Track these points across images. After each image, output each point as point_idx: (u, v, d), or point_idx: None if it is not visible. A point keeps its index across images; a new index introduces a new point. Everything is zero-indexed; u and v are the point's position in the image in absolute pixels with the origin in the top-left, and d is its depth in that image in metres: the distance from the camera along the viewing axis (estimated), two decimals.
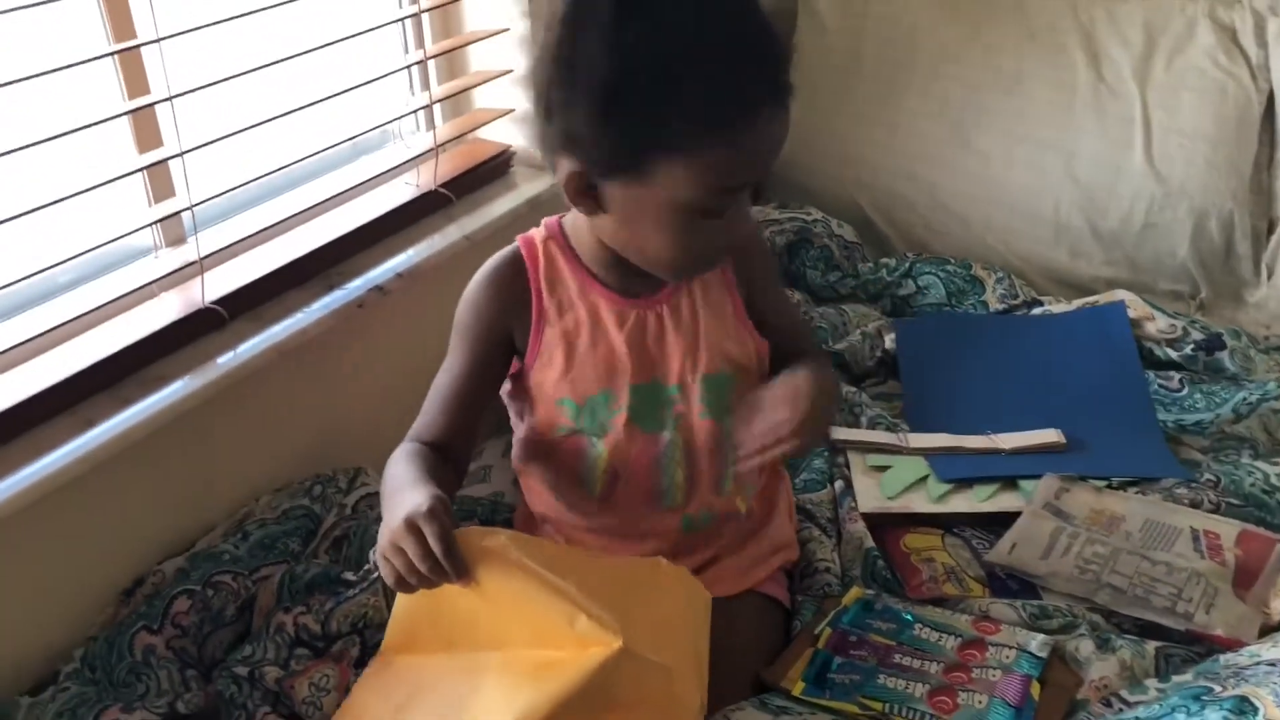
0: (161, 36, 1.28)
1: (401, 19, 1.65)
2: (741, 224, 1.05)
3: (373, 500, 1.42)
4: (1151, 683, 1.13)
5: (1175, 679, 1.13)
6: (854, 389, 1.70)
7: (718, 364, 1.16)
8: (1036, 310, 1.83)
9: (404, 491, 0.99)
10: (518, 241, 1.17)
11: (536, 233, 1.17)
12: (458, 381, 1.16)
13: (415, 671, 1.04)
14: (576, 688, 0.90)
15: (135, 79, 1.33)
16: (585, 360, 1.14)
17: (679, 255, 1.05)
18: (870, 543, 1.38)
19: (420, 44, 1.70)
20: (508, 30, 1.71)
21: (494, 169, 1.77)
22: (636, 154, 0.97)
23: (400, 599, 1.04)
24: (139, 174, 1.36)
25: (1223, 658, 1.15)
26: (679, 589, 1.04)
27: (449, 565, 0.92)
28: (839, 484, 1.48)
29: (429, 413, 1.16)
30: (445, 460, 1.12)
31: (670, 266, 1.08)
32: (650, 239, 1.04)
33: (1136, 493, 1.47)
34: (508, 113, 1.76)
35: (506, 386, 1.20)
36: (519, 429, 1.22)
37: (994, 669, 1.16)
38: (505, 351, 1.17)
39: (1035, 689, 1.13)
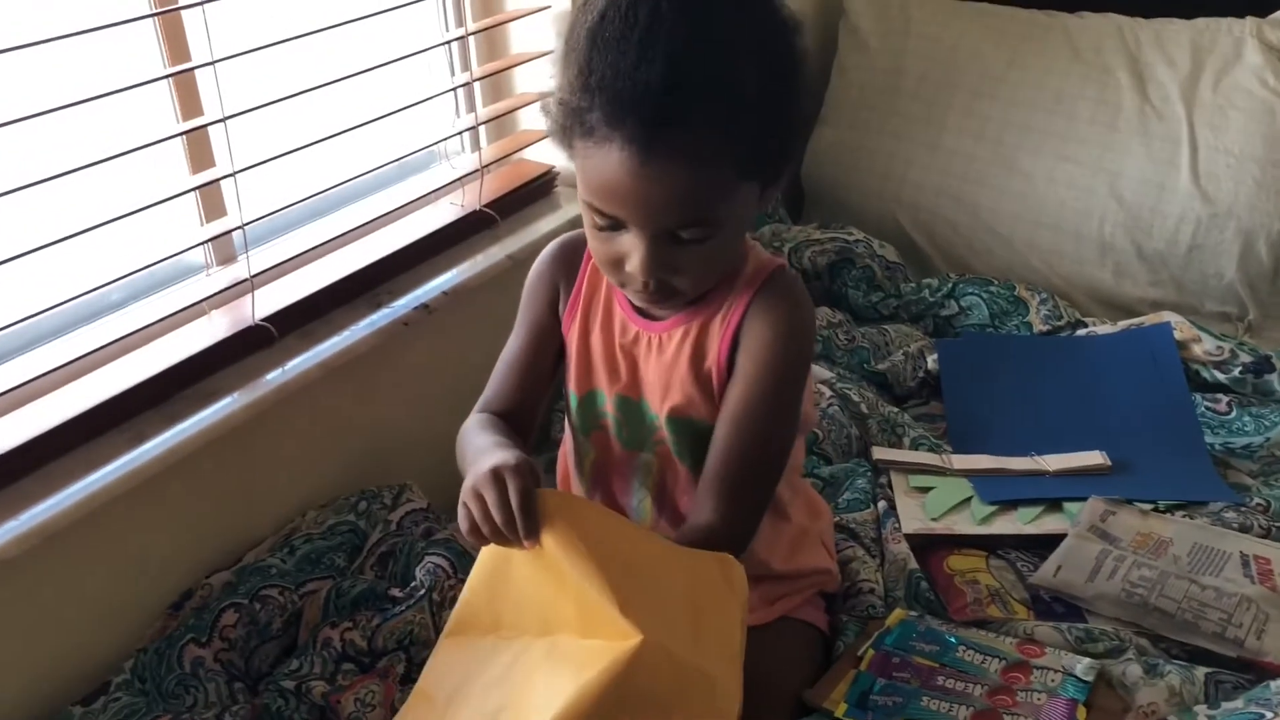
0: (216, 59, 1.31)
1: (448, 42, 1.67)
2: (648, 267, 0.98)
3: (417, 516, 1.43)
4: (1201, 709, 1.11)
5: (1225, 705, 1.11)
6: (896, 409, 1.70)
7: (683, 408, 1.12)
8: (1081, 331, 1.82)
9: (492, 450, 1.01)
10: None
11: None
12: (519, 348, 1.19)
13: (467, 657, 1.04)
14: (607, 682, 0.89)
15: (189, 101, 1.36)
16: (592, 354, 1.15)
17: (597, 256, 1.05)
18: (914, 564, 1.37)
19: (466, 66, 1.73)
20: (552, 53, 1.73)
21: (538, 189, 1.78)
22: (565, 127, 0.98)
23: (470, 579, 1.05)
24: (192, 194, 1.38)
25: (1274, 684, 1.13)
26: (736, 594, 1.02)
27: (522, 521, 0.92)
28: (882, 504, 1.48)
29: (494, 382, 1.19)
30: (512, 430, 1.13)
31: (604, 271, 1.07)
32: (585, 230, 1.05)
33: (1184, 516, 1.45)
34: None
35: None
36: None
37: (1039, 692, 1.15)
38: (554, 313, 1.18)
39: (1081, 714, 1.12)
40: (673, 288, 1.03)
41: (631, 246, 0.99)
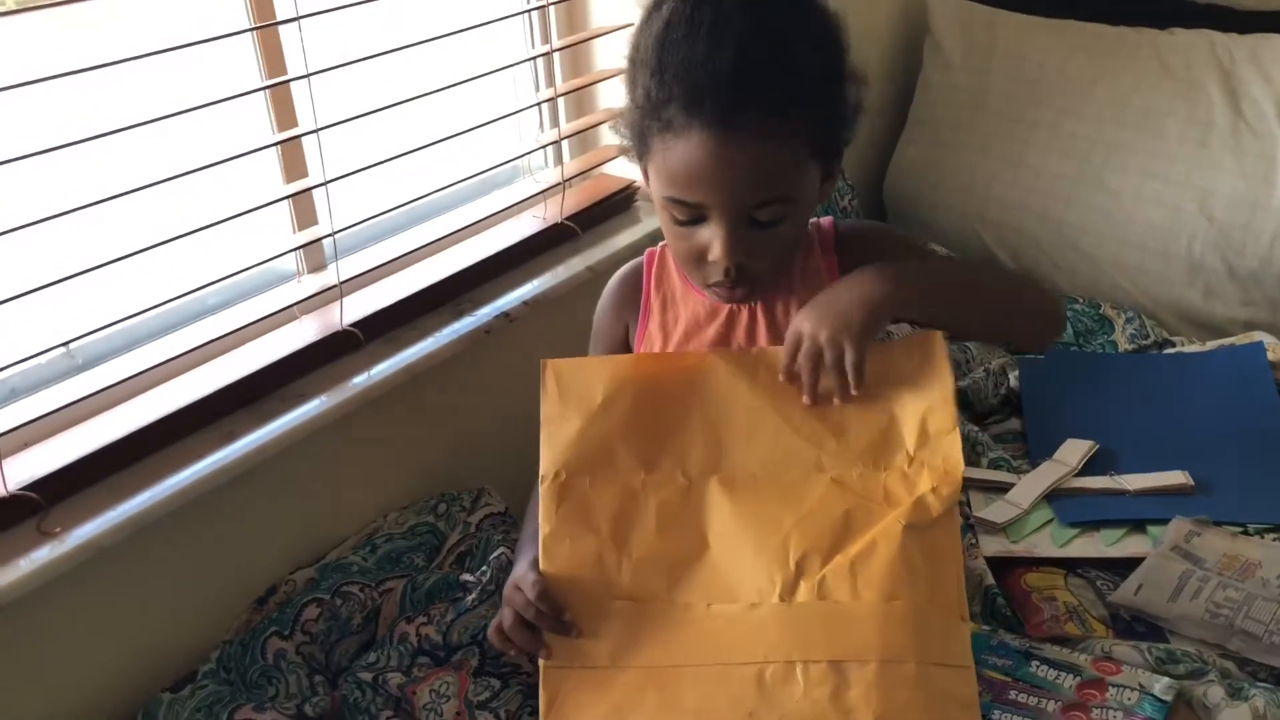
0: (310, 73, 1.36)
1: (533, 58, 1.71)
2: (730, 251, 1.02)
3: (495, 520, 1.46)
4: None
5: None
6: (975, 428, 1.68)
7: None
8: (1168, 351, 1.78)
9: (521, 551, 1.15)
10: (648, 251, 1.23)
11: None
12: None
13: (620, 502, 1.05)
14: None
15: (284, 113, 1.41)
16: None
17: (678, 255, 1.09)
18: (990, 580, 1.36)
19: (551, 82, 1.76)
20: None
21: (618, 203, 1.81)
22: (643, 130, 1.03)
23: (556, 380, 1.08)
24: (285, 203, 1.43)
25: None
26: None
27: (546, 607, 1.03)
28: (959, 520, 1.46)
29: None
30: None
31: (684, 270, 1.12)
32: (664, 232, 1.09)
33: (1274, 539, 1.41)
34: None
35: None
36: None
37: (1115, 710, 1.13)
38: (628, 350, 1.23)
39: None
40: (752, 273, 1.06)
41: (712, 235, 1.03)
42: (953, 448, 1.02)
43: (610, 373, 1.08)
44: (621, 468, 1.05)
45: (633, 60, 1.04)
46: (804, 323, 1.02)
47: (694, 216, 1.03)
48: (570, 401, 1.06)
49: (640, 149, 1.06)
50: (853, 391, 1.01)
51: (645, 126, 1.02)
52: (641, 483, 1.05)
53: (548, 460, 1.06)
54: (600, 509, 1.04)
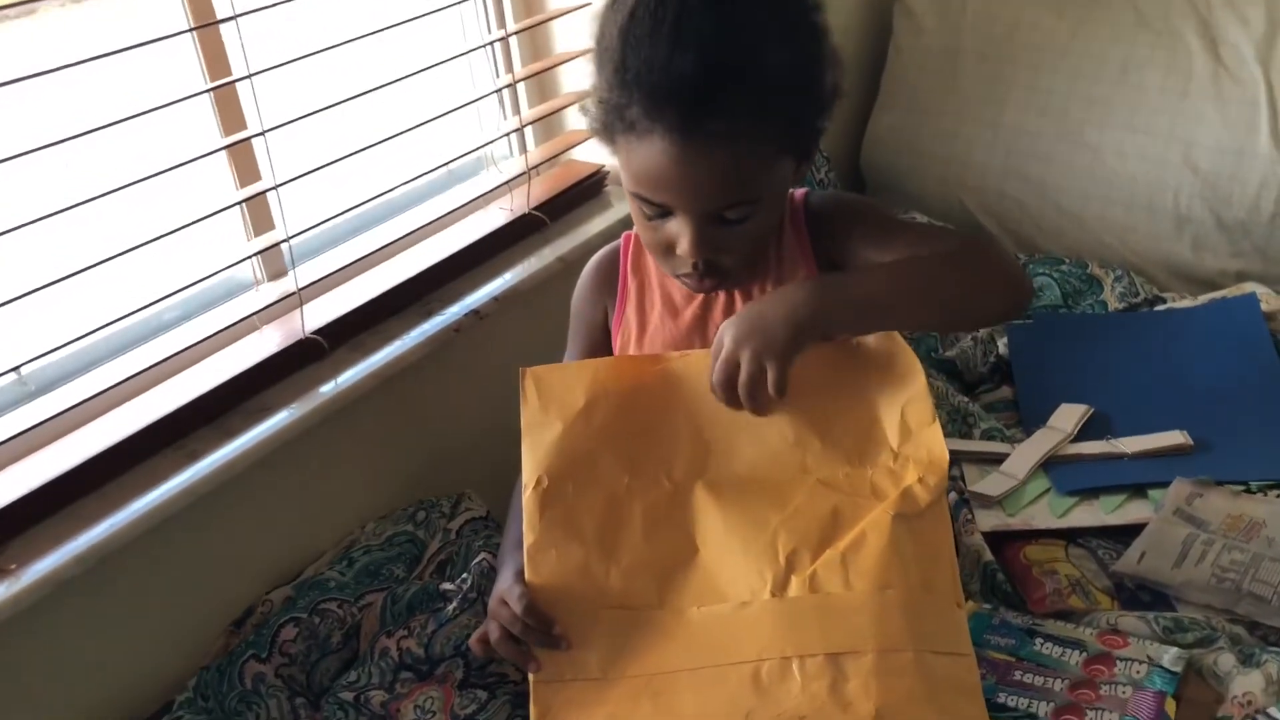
0: (254, 72, 1.30)
1: (489, 44, 1.66)
2: (697, 248, 1.00)
3: (476, 525, 1.42)
4: None
5: None
6: (966, 399, 1.64)
7: None
8: (1159, 308, 1.74)
9: (504, 561, 1.12)
10: (624, 233, 1.21)
11: None
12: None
13: (605, 509, 1.02)
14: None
15: (231, 115, 1.36)
16: (655, 337, 1.17)
17: (648, 245, 1.06)
18: (989, 555, 1.32)
19: (509, 68, 1.71)
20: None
21: (587, 189, 1.76)
22: (607, 125, 1.00)
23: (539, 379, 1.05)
24: (238, 208, 1.38)
25: None
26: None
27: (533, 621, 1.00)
28: (952, 496, 1.42)
29: None
30: None
31: (654, 258, 1.10)
32: (633, 220, 1.06)
33: (1278, 496, 1.37)
34: None
35: None
36: None
37: (1124, 685, 1.09)
38: (607, 334, 1.21)
39: (1170, 706, 1.06)
40: (721, 267, 1.04)
41: (679, 231, 1.00)
42: (935, 440, 1.00)
43: (591, 377, 1.05)
44: (605, 473, 1.02)
45: (598, 45, 1.00)
46: (727, 335, 0.98)
47: (660, 212, 1.01)
48: (551, 408, 1.04)
49: (605, 138, 1.03)
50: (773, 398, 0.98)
51: (609, 122, 0.99)
52: (626, 488, 1.02)
53: (529, 468, 1.03)
54: (585, 516, 1.02)
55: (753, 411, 0.98)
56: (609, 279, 1.21)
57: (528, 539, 1.02)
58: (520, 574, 1.03)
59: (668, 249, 1.03)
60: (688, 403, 1.03)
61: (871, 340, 1.03)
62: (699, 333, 1.15)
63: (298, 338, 1.39)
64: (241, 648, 1.24)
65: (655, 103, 0.94)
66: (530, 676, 1.01)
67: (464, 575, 1.27)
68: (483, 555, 1.30)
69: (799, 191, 1.14)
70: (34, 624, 1.12)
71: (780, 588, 0.97)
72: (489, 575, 1.25)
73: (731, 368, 0.97)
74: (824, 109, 1.03)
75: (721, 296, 1.14)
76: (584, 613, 1.00)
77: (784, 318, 0.97)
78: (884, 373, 1.02)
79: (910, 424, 1.00)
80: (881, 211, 1.17)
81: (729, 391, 0.98)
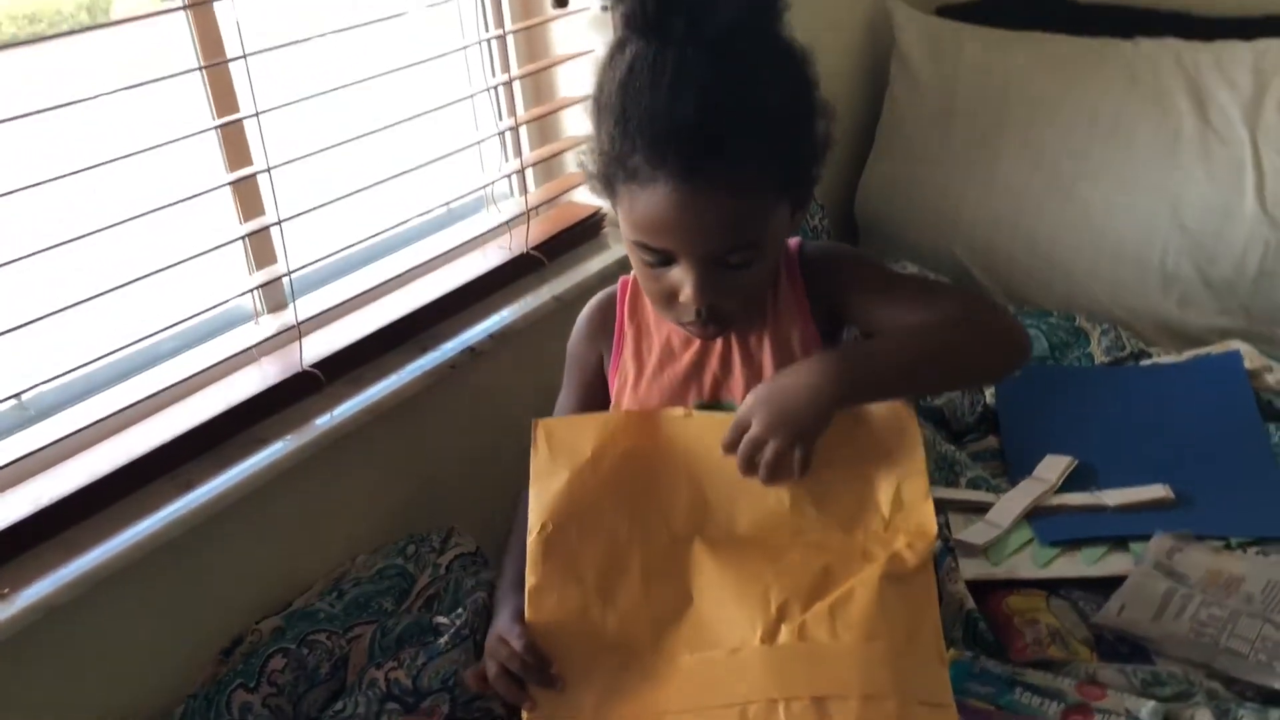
0: (261, 110, 1.33)
1: (493, 87, 1.69)
2: (701, 294, 1.01)
3: (465, 560, 1.43)
4: None
5: None
6: (953, 448, 1.66)
7: None
8: (1145, 362, 1.77)
9: (503, 600, 1.14)
10: (621, 278, 1.22)
11: None
12: (565, 409, 1.24)
13: (605, 546, 1.05)
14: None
15: (237, 151, 1.39)
16: (651, 382, 1.17)
17: (649, 294, 1.08)
18: (971, 604, 1.33)
19: (512, 111, 1.74)
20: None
21: (585, 231, 1.79)
22: (608, 175, 1.02)
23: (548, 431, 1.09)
24: (240, 242, 1.40)
25: None
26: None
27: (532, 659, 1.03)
28: (937, 544, 1.43)
29: None
30: None
31: (656, 308, 1.11)
32: (634, 269, 1.08)
33: (1257, 553, 1.39)
34: None
35: None
36: None
37: None
38: (603, 379, 1.22)
39: None
40: (724, 313, 1.06)
41: (682, 278, 1.02)
42: (926, 514, 1.03)
43: (600, 430, 1.08)
44: (608, 522, 1.06)
45: (596, 101, 1.03)
46: (756, 418, 1.01)
47: (662, 260, 1.03)
48: (559, 458, 1.07)
49: (607, 191, 1.05)
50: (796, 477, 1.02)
51: (610, 172, 1.01)
52: (627, 537, 1.05)
53: (535, 513, 1.06)
54: (586, 562, 1.05)
55: (765, 484, 1.02)
56: (605, 324, 1.22)
57: (530, 580, 1.05)
58: (519, 614, 1.05)
59: (670, 297, 1.05)
60: (691, 462, 1.06)
61: (877, 409, 1.05)
62: (695, 379, 1.16)
63: (296, 370, 1.41)
64: (230, 677, 1.24)
65: (657, 149, 0.96)
66: (524, 715, 1.03)
67: (459, 610, 1.28)
68: (478, 594, 1.31)
69: (793, 240, 1.17)
70: (24, 650, 1.13)
71: (770, 636, 0.99)
72: (483, 613, 1.27)
73: (756, 448, 1.00)
74: (818, 157, 1.06)
75: (719, 343, 1.15)
76: (580, 654, 1.03)
77: (811, 401, 1.00)
78: (886, 444, 1.05)
79: (904, 499, 1.04)
80: (877, 264, 1.19)
81: (750, 469, 1.01)
